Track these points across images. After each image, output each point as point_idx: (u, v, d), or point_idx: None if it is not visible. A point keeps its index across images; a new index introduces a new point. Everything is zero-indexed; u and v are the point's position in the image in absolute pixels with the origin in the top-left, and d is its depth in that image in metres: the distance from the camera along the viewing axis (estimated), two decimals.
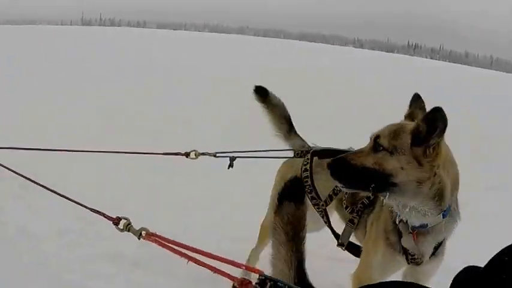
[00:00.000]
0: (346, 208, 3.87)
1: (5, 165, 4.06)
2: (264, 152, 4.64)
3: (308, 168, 4.08)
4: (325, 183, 4.01)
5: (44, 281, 4.67)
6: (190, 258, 2.35)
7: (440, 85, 29.11)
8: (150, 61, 27.68)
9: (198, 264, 2.30)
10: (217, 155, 4.58)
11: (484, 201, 7.61)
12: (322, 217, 4.04)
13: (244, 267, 2.33)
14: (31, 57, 24.98)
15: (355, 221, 3.78)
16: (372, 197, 3.68)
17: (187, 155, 4.55)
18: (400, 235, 3.34)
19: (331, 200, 4.00)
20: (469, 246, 5.02)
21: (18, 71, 19.42)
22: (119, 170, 7.64)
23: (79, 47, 34.49)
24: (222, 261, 2.28)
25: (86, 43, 39.64)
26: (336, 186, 3.82)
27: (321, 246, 4.88)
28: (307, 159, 4.14)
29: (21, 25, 79.10)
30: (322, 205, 4.00)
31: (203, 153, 4.54)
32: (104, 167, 7.54)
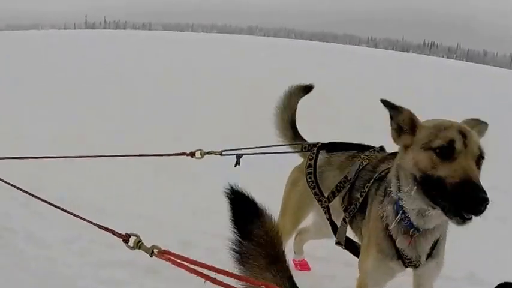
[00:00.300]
0: (341, 204, 3.91)
1: (11, 175, 4.14)
2: (271, 149, 4.66)
3: (312, 163, 4.14)
4: (331, 179, 4.07)
5: (55, 287, 4.78)
6: (206, 278, 2.34)
7: (458, 86, 29.08)
8: (156, 64, 27.79)
9: (215, 283, 2.27)
10: (224, 153, 4.60)
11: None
12: (325, 213, 4.05)
13: (263, 286, 2.30)
14: (31, 64, 25.01)
15: (347, 220, 3.81)
16: (361, 199, 3.71)
17: (192, 154, 4.56)
18: (392, 240, 3.36)
19: (334, 197, 3.97)
20: (469, 247, 5.10)
21: (18, 78, 19.46)
22: (124, 173, 7.75)
23: (83, 52, 34.63)
24: (240, 280, 2.29)
25: (90, 47, 39.77)
26: (339, 183, 3.93)
27: (334, 251, 4.94)
28: (312, 153, 4.19)
29: (23, 30, 79.52)
30: (325, 202, 4.00)
31: (208, 152, 4.55)
32: (108, 171, 7.64)
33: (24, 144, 9.06)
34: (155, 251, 2.55)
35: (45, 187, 6.60)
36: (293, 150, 4.66)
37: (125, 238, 2.67)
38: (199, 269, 2.36)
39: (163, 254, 2.53)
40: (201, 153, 4.55)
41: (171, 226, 6.00)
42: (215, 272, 2.30)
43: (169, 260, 2.51)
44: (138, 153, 5.05)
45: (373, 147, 4.08)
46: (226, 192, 2.50)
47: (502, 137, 14.11)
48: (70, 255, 5.36)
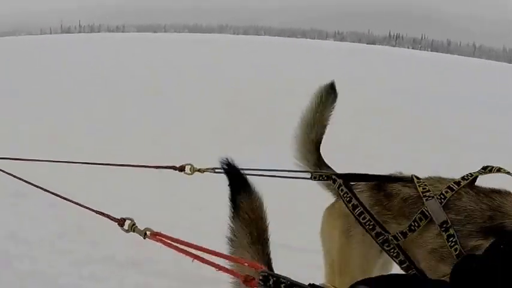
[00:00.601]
0: (458, 256, 2.87)
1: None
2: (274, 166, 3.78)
3: (356, 203, 3.22)
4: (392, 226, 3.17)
5: (37, 284, 4.78)
6: (194, 257, 2.37)
7: (423, 75, 29.30)
8: (138, 66, 27.83)
9: (202, 262, 2.31)
10: (217, 170, 3.60)
11: None
12: (397, 256, 3.14)
13: (247, 264, 2.32)
14: (17, 71, 24.82)
15: None
16: None
17: (182, 169, 3.83)
18: None
19: (405, 237, 3.07)
20: None
21: (8, 85, 19.41)
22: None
23: (64, 57, 34.52)
24: (226, 259, 2.31)
25: (68, 52, 39.61)
26: (414, 221, 3.03)
27: None
28: (345, 193, 3.30)
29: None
30: (392, 240, 3.11)
31: (199, 170, 3.79)
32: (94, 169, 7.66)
33: (18, 144, 9.33)
34: (148, 233, 2.59)
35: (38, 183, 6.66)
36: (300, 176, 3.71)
37: (120, 222, 2.70)
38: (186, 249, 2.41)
39: (156, 235, 2.57)
40: (190, 169, 3.80)
41: (157, 211, 6.05)
42: (204, 252, 2.33)
43: (161, 241, 2.52)
44: (127, 156, 4.99)
45: (403, 178, 3.29)
46: (223, 166, 2.42)
47: (471, 120, 14.30)
48: (52, 253, 5.36)
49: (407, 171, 3.31)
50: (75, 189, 6.98)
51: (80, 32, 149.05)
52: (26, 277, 4.92)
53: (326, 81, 3.83)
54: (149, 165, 4.24)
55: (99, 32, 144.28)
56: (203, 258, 2.30)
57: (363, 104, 16.21)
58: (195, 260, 2.41)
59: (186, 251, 2.40)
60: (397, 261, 3.14)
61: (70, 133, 10.99)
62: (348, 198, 3.25)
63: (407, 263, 3.10)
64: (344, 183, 3.32)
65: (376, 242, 3.15)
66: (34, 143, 9.56)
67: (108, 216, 2.83)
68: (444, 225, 2.91)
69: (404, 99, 17.98)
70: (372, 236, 3.15)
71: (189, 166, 3.80)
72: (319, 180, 3.52)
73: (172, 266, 4.76)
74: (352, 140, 10.84)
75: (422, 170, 3.33)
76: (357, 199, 3.21)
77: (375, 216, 3.15)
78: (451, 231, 2.89)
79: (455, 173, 3.10)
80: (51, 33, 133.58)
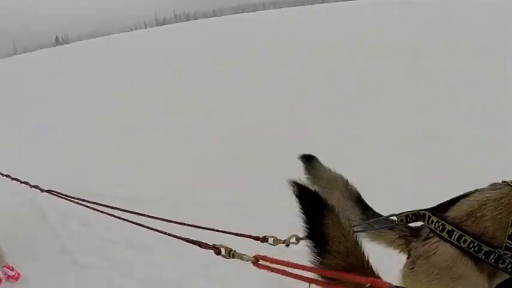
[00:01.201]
0: None
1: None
2: None
3: (450, 228, 2.86)
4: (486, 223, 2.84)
5: None
6: (311, 281, 2.18)
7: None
8: (232, 51, 28.27)
9: (322, 285, 2.16)
10: None
11: None
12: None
13: (369, 284, 2.07)
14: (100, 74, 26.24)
15: None
16: None
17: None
18: None
19: None
20: None
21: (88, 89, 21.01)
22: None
23: (151, 53, 35.62)
24: (347, 278, 2.07)
25: (161, 47, 40.38)
26: None
27: None
28: (437, 222, 2.93)
29: (94, 38, 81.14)
30: (505, 253, 2.75)
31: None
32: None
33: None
34: (252, 257, 2.48)
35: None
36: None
37: (216, 251, 2.65)
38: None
39: (261, 259, 2.39)
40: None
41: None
42: (318, 273, 2.15)
43: (266, 267, 2.39)
44: None
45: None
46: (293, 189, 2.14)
47: None
48: (172, 257, 5.45)
49: None
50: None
51: (176, 21, 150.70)
52: (149, 284, 5.08)
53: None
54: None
55: (195, 19, 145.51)
56: (323, 282, 2.14)
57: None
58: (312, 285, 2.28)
59: (296, 274, 2.26)
60: None
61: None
62: (440, 228, 2.88)
63: None
64: (432, 213, 2.96)
65: (489, 264, 2.77)
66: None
67: (199, 245, 2.78)
68: None
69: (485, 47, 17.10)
70: (481, 257, 2.77)
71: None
72: (407, 222, 3.08)
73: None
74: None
75: None
76: (453, 224, 2.85)
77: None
78: None
79: None
80: (146, 27, 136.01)
